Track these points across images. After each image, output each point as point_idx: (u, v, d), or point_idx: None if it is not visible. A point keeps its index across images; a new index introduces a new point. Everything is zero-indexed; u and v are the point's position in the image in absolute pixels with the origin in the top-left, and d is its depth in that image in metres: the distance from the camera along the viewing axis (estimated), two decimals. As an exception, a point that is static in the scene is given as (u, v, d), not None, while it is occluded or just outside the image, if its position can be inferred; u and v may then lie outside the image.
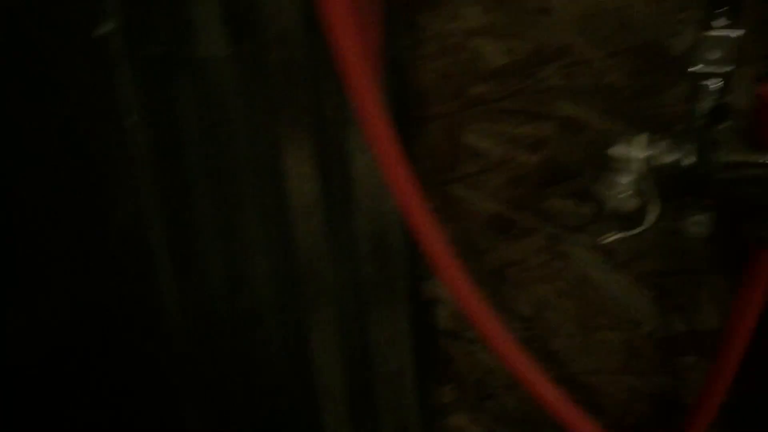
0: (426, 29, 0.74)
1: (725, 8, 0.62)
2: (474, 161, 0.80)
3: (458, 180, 0.81)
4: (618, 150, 0.63)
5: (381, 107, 0.66)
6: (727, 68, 0.61)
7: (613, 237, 0.68)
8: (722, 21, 0.62)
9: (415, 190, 0.69)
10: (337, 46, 0.64)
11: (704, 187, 0.61)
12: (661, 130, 0.70)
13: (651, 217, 0.66)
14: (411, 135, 0.81)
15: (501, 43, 0.72)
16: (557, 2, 0.68)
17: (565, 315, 0.83)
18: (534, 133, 0.76)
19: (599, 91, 0.71)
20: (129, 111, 0.83)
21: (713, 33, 0.62)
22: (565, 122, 0.74)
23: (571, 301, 0.83)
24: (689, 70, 0.61)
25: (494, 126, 0.77)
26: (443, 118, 0.79)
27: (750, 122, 0.58)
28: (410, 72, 0.77)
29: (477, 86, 0.75)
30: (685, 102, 0.68)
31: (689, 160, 0.60)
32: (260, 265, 0.87)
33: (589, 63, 0.70)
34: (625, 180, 0.64)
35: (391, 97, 0.78)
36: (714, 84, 0.61)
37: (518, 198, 0.80)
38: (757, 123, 0.57)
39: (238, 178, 0.86)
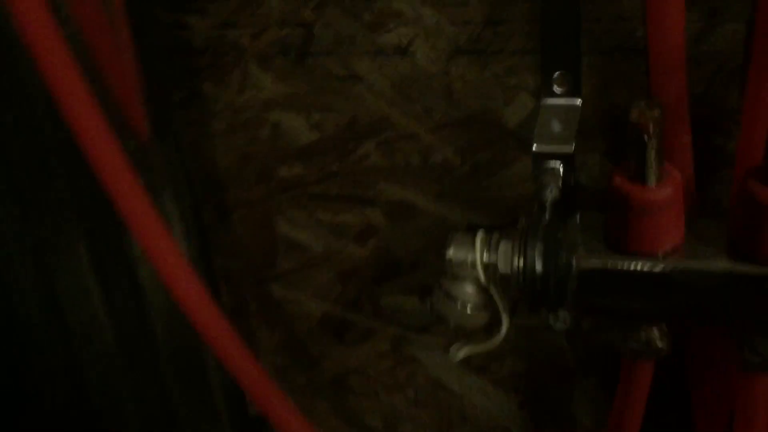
0: (215, 101, 0.59)
1: (560, 72, 0.50)
2: (293, 256, 0.65)
3: (277, 278, 0.66)
4: (454, 254, 0.50)
5: (142, 196, 0.51)
6: (569, 145, 0.49)
7: (462, 354, 0.55)
8: (559, 87, 0.50)
9: (201, 296, 0.55)
10: (74, 124, 0.49)
11: (558, 298, 0.48)
12: (504, 214, 0.58)
13: (501, 331, 0.54)
14: (213, 227, 0.66)
15: (306, 117, 0.58)
16: (367, 68, 0.55)
17: (422, 426, 0.70)
18: (359, 221, 0.62)
19: (428, 171, 0.58)
20: None
21: (549, 102, 0.50)
22: (394, 207, 0.60)
23: (426, 411, 0.69)
24: (534, 150, 0.49)
25: (312, 214, 0.63)
26: (250, 206, 0.64)
27: (606, 217, 0.46)
28: (202, 152, 0.62)
29: (284, 168, 0.61)
30: (527, 182, 0.56)
31: (538, 266, 0.47)
32: (46, 403, 0.70)
33: (413, 138, 0.57)
34: (466, 291, 0.51)
35: (180, 183, 0.63)
36: (556, 165, 0.49)
37: (351, 296, 0.66)
38: (614, 219, 0.45)
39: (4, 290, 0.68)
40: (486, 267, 0.48)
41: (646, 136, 0.39)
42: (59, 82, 0.49)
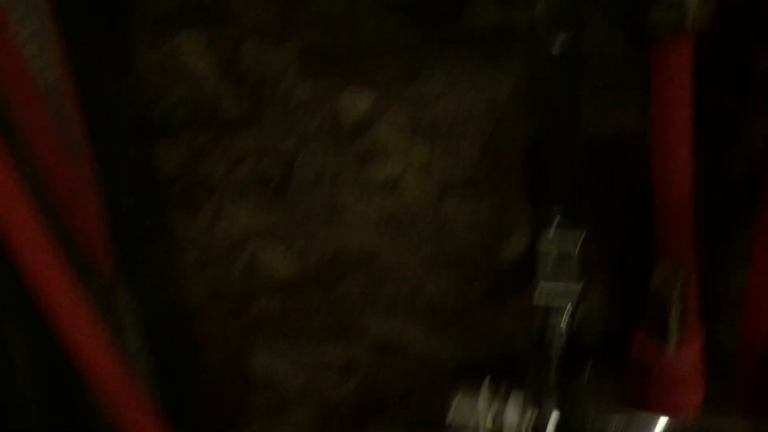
0: (185, 233, 0.55)
1: (558, 206, 0.47)
2: (268, 393, 0.60)
3: (250, 417, 0.61)
4: (460, 410, 0.45)
5: (102, 341, 0.47)
6: (575, 284, 0.46)
7: None
8: (558, 222, 0.47)
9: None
10: (28, 272, 0.45)
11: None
12: (497, 352, 0.54)
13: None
14: (182, 364, 0.60)
15: (286, 249, 0.54)
16: (353, 200, 0.51)
17: None
18: (342, 357, 0.58)
19: (418, 306, 0.54)
20: None
21: (549, 239, 0.47)
22: (380, 342, 0.56)
23: None
24: (535, 303, 0.45)
25: (290, 349, 0.58)
26: (222, 343, 0.59)
27: (624, 375, 0.43)
28: (171, 285, 0.58)
29: (261, 302, 0.57)
30: (522, 320, 0.53)
31: (551, 427, 0.44)
32: None
33: (401, 272, 0.53)
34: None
35: (146, 319, 0.58)
36: (559, 318, 0.46)
37: (331, 434, 0.61)
38: (633, 380, 0.42)
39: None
40: (496, 428, 0.44)
41: (669, 304, 0.37)
42: (11, 223, 0.45)
